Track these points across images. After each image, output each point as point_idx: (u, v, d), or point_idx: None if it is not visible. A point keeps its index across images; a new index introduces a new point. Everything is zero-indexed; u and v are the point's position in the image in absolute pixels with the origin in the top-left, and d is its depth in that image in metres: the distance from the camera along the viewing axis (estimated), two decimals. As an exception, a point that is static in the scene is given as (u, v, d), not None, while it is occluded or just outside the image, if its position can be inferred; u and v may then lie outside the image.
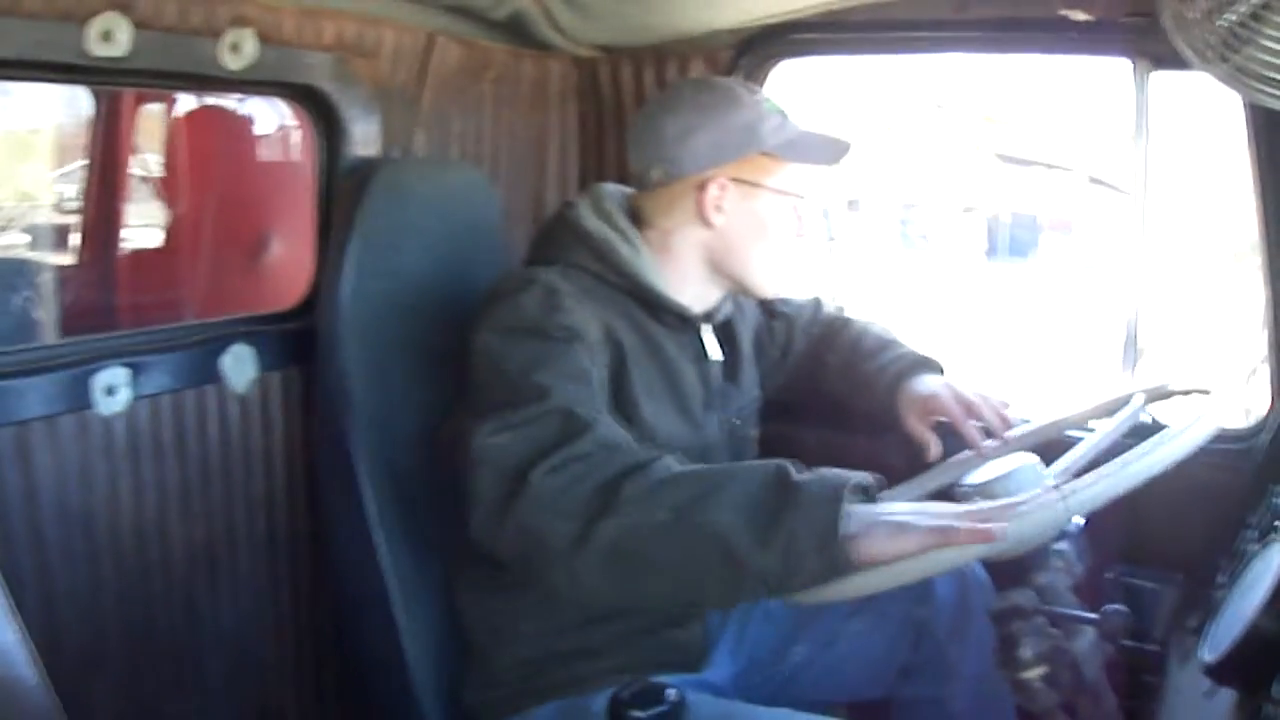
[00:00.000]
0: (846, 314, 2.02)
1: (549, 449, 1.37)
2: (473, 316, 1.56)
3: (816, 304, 2.02)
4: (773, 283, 1.72)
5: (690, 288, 1.68)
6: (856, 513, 1.26)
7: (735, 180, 1.64)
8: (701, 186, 1.64)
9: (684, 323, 1.67)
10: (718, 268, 1.68)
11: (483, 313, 1.54)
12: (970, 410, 1.76)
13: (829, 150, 1.70)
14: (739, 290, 1.73)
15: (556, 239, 1.67)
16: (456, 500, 1.44)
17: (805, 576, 1.26)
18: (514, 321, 1.51)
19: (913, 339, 1.92)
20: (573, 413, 1.40)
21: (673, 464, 1.36)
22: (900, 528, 1.25)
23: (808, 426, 2.07)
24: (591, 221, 1.65)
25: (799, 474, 1.31)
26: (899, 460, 1.74)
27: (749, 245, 1.67)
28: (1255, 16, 1.43)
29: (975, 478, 1.50)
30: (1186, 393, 1.62)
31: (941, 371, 1.85)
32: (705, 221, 1.65)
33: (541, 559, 1.33)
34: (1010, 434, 1.74)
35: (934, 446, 1.77)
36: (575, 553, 1.30)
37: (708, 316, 1.71)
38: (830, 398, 1.96)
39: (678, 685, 1.24)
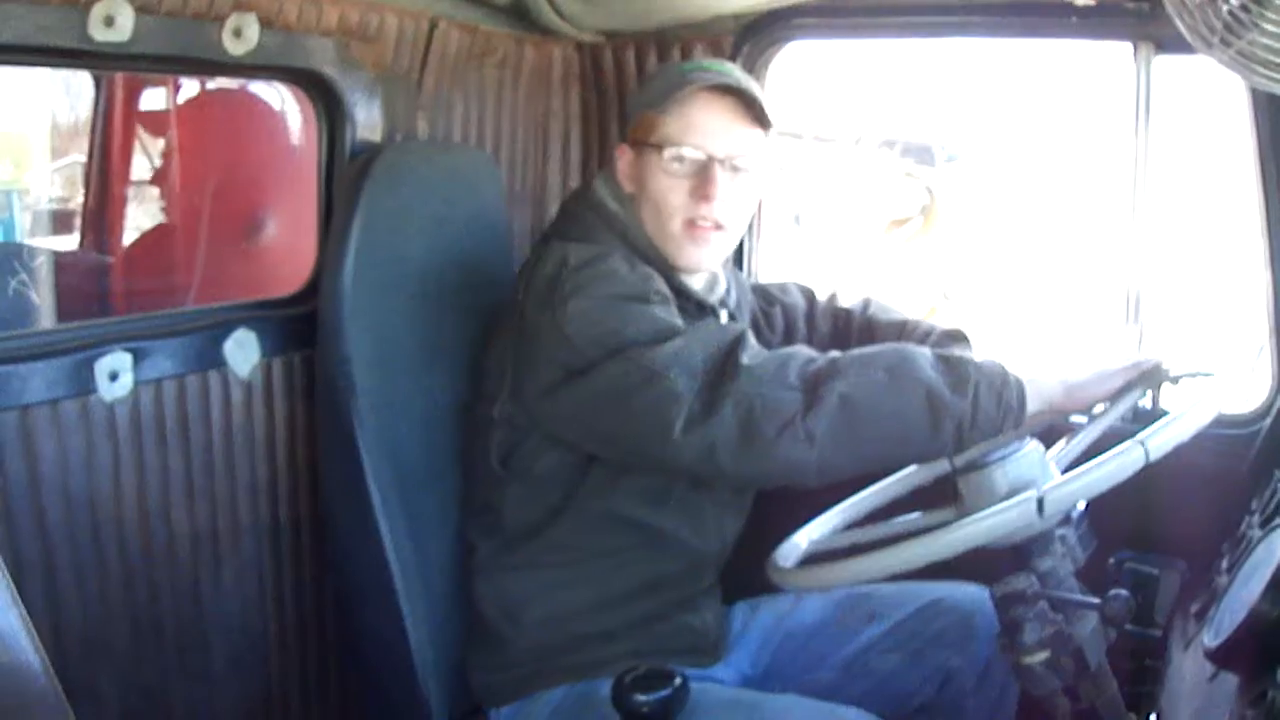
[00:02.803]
0: (844, 300, 1.98)
1: (732, 343, 1.45)
2: (522, 294, 1.57)
3: (812, 294, 1.99)
4: (672, 247, 1.63)
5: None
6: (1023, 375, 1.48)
7: (631, 144, 1.66)
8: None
9: (700, 309, 1.66)
10: None
11: (555, 286, 1.53)
12: None
13: (717, 101, 1.60)
14: (668, 267, 1.64)
15: (580, 218, 1.67)
16: (475, 474, 1.43)
17: (985, 419, 1.44)
18: (612, 289, 1.52)
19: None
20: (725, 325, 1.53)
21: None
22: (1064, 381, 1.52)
23: None
24: (611, 203, 1.66)
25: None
26: None
27: (643, 208, 1.64)
28: (1258, 1, 1.42)
29: (970, 453, 1.49)
30: (1190, 376, 1.62)
31: (969, 342, 1.84)
32: (629, 195, 1.66)
33: (772, 426, 1.40)
34: None
35: None
36: (809, 412, 1.40)
37: (721, 302, 1.71)
38: None
39: (684, 673, 1.24)
